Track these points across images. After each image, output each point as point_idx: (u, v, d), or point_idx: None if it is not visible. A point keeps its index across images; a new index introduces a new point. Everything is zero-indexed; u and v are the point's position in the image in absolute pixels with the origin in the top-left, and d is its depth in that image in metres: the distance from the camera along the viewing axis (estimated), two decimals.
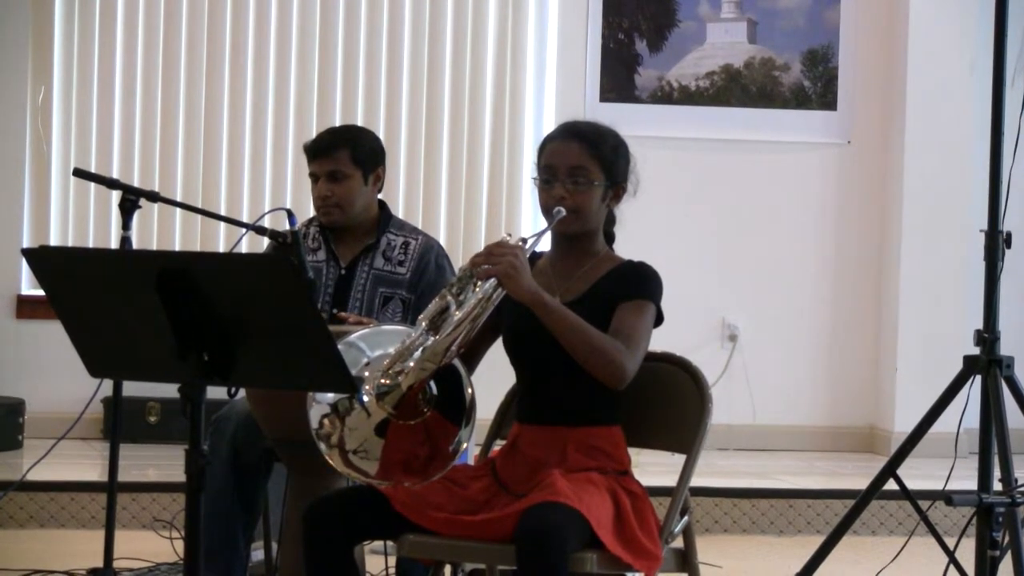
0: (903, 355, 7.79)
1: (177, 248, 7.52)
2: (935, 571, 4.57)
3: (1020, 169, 4.72)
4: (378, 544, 4.62)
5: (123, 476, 4.82)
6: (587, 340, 3.51)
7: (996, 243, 4.62)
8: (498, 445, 3.85)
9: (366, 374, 3.41)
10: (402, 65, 7.73)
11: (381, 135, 4.99)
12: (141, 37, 7.59)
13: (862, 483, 4.95)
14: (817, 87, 8.02)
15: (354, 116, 7.63)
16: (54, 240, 7.48)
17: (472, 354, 3.63)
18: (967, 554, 4.52)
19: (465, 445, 3.49)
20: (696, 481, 3.78)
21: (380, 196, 4.86)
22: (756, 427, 7.88)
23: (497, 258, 3.46)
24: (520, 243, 3.53)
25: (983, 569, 4.21)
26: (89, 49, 7.55)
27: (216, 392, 3.04)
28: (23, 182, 7.54)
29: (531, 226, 7.43)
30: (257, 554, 4.72)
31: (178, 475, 3.04)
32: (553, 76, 7.85)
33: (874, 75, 8.00)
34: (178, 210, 7.35)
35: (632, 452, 3.71)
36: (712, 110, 7.97)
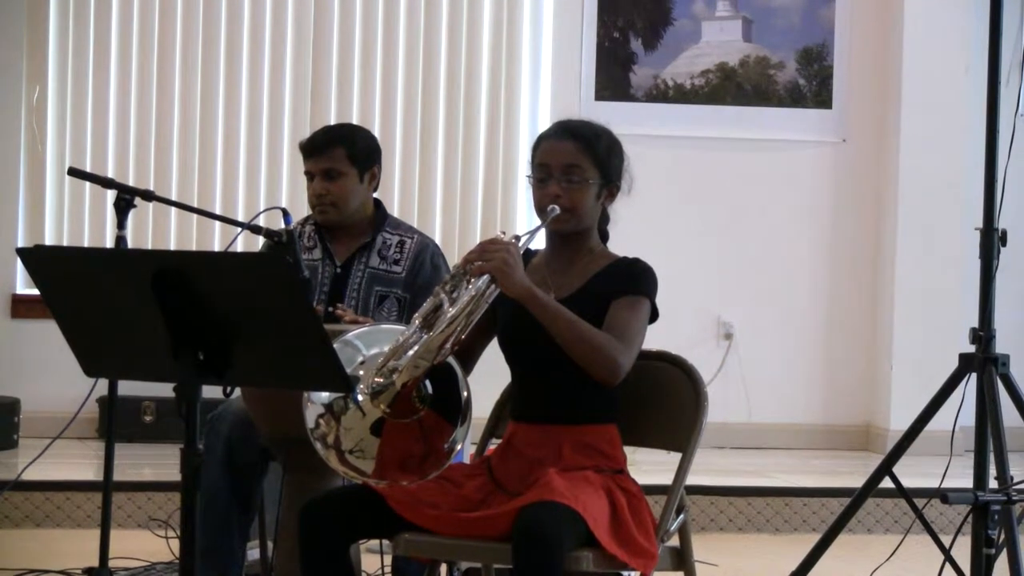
0: (899, 353, 7.80)
1: (172, 247, 7.52)
2: (931, 569, 4.57)
3: (1015, 167, 4.73)
4: (374, 543, 4.62)
5: (119, 475, 4.82)
6: (581, 336, 3.51)
7: (991, 241, 4.63)
8: (494, 444, 3.85)
9: (360, 373, 3.41)
10: (397, 63, 7.73)
11: (376, 133, 4.98)
12: (136, 36, 7.59)
13: (858, 481, 4.96)
14: (812, 85, 8.02)
15: (349, 115, 7.63)
16: (49, 239, 7.48)
17: (468, 352, 3.63)
18: (963, 552, 4.53)
19: (460, 445, 3.49)
20: (692, 479, 3.78)
21: (376, 195, 4.86)
22: (752, 425, 7.88)
23: (490, 255, 3.46)
24: (513, 240, 3.53)
25: (979, 567, 4.21)
26: (84, 48, 7.55)
27: (212, 391, 3.04)
28: (18, 181, 7.54)
29: (526, 224, 7.43)
30: (253, 553, 4.71)
31: (174, 474, 3.04)
32: (548, 75, 7.85)
33: (869, 73, 8.00)
34: (173, 209, 7.35)
35: (628, 450, 3.71)
36: (707, 108, 7.97)
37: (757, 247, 7.97)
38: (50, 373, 7.11)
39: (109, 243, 7.20)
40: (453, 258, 5.65)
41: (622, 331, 3.57)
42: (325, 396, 3.41)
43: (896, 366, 7.79)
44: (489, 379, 3.87)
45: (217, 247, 7.48)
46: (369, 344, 3.47)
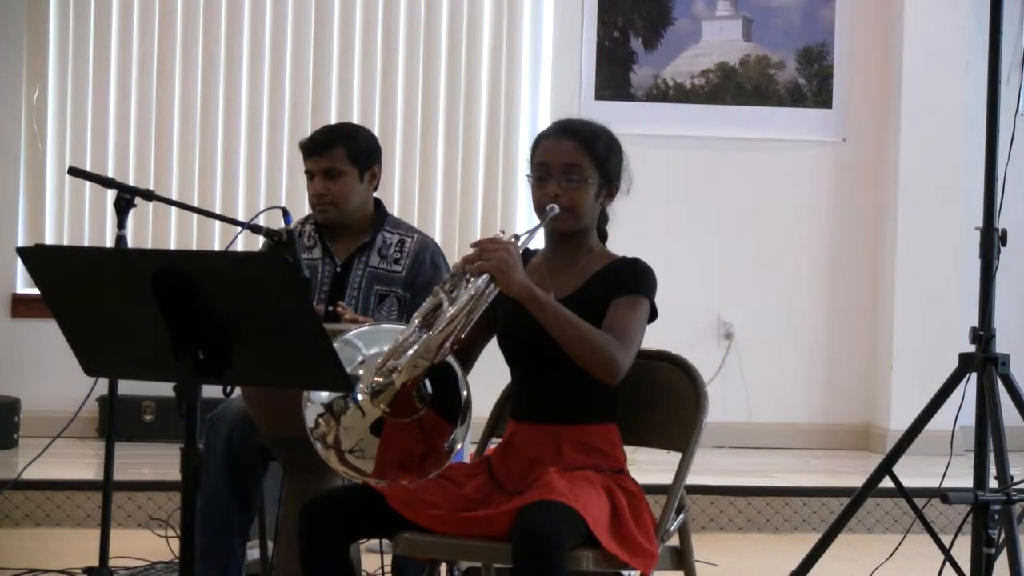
0: (899, 353, 7.80)
1: (172, 247, 7.52)
2: (931, 569, 4.57)
3: (1015, 166, 4.74)
4: (374, 542, 4.62)
5: (119, 475, 4.81)
6: (580, 334, 3.51)
7: (991, 240, 4.63)
8: (494, 443, 3.84)
9: (360, 372, 3.41)
10: (398, 62, 7.73)
11: (376, 133, 4.98)
12: (136, 35, 7.59)
13: (858, 481, 4.96)
14: (812, 85, 8.02)
15: (350, 114, 7.63)
16: (49, 239, 7.48)
17: (468, 352, 3.63)
18: (963, 552, 4.53)
19: (460, 444, 3.49)
20: (692, 479, 3.78)
21: (376, 194, 4.86)
22: (752, 425, 7.88)
23: (489, 254, 3.46)
24: (513, 239, 3.53)
25: (979, 567, 4.22)
26: (84, 47, 7.54)
27: (212, 390, 3.04)
28: (18, 181, 7.54)
29: (526, 224, 7.42)
30: (253, 552, 4.71)
31: (174, 474, 3.04)
32: (548, 74, 7.85)
33: (869, 73, 8.00)
34: (173, 209, 7.35)
35: (628, 450, 3.71)
36: (707, 108, 7.97)
37: (757, 246, 7.96)
38: (50, 372, 7.11)
39: (109, 243, 7.20)
40: (453, 258, 5.66)
41: (621, 330, 3.57)
42: (325, 396, 3.41)
43: (896, 366, 7.79)
44: (489, 379, 3.87)
45: (217, 247, 7.48)
46: (369, 344, 3.47)
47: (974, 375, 4.62)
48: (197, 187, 7.61)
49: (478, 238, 3.60)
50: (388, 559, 4.56)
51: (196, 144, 7.63)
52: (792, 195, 8.00)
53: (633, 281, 3.65)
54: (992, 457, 4.54)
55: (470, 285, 3.45)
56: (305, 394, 3.41)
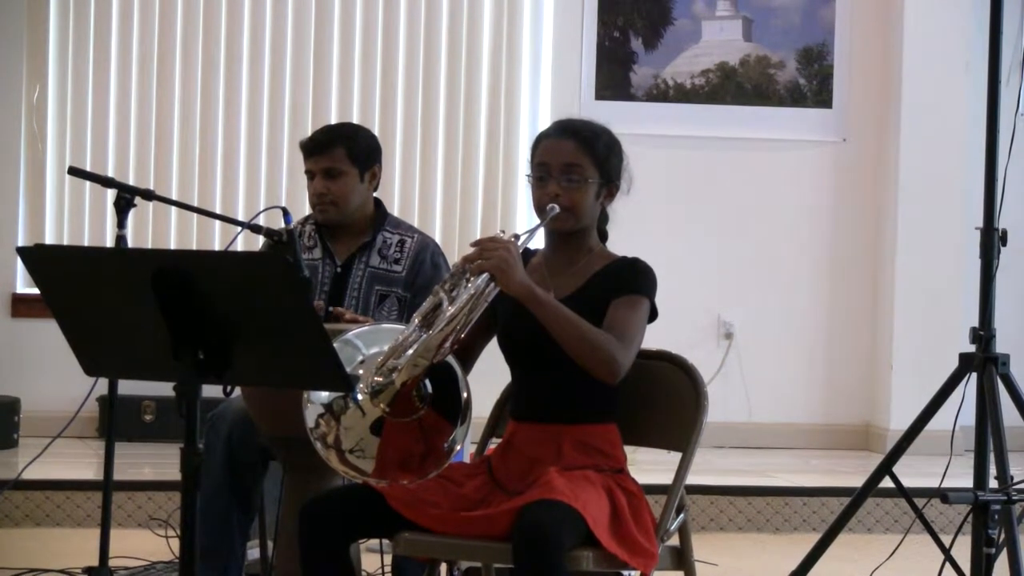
0: (899, 353, 7.80)
1: (172, 247, 7.52)
2: (931, 569, 4.57)
3: (1015, 166, 4.74)
4: (374, 542, 4.62)
5: (119, 474, 4.81)
6: (580, 334, 3.51)
7: (992, 240, 4.63)
8: (494, 443, 3.85)
9: (360, 372, 3.41)
10: (398, 62, 7.73)
11: (376, 133, 4.98)
12: (136, 35, 7.59)
13: (858, 481, 4.96)
14: (812, 85, 8.02)
15: (350, 114, 7.63)
16: (49, 238, 7.48)
17: (468, 351, 3.64)
18: (963, 552, 4.53)
19: (460, 444, 3.49)
20: (692, 479, 3.78)
21: (376, 194, 4.86)
22: (752, 425, 7.88)
23: (489, 253, 3.46)
24: (513, 239, 3.53)
25: (979, 567, 4.21)
26: (84, 47, 7.55)
27: (212, 390, 3.04)
28: (18, 181, 7.54)
29: (526, 224, 7.42)
30: (253, 552, 4.71)
31: (174, 473, 3.04)
32: (548, 74, 7.85)
33: (869, 73, 8.01)
34: (173, 208, 7.35)
35: (628, 450, 3.71)
36: (707, 108, 7.97)
37: (757, 246, 7.97)
38: (50, 372, 7.12)
39: (109, 242, 7.20)
40: (453, 258, 5.66)
41: (621, 330, 3.57)
42: (325, 396, 3.41)
43: (896, 366, 7.79)
44: (489, 378, 3.87)
45: (217, 247, 7.48)
46: (369, 343, 3.47)
47: (974, 375, 4.62)
48: (197, 187, 7.61)
49: (478, 238, 3.60)
50: (388, 559, 4.56)
51: (196, 144, 7.63)
52: (792, 195, 8.01)
53: (633, 281, 3.65)
54: (992, 457, 4.54)
55: (470, 284, 3.45)
56: (305, 394, 3.41)
